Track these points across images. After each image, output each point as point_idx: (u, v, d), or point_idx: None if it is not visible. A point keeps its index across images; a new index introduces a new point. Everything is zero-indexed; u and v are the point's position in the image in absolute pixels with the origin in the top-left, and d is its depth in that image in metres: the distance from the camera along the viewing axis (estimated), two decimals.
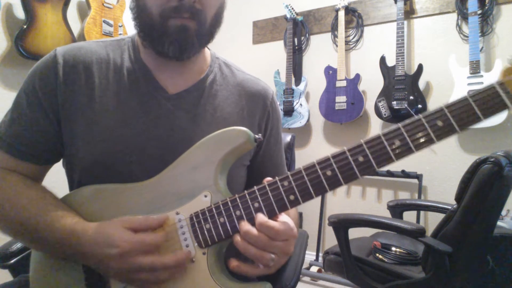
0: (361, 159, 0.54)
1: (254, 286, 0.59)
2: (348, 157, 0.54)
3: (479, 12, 2.04)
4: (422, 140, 0.52)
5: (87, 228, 0.61)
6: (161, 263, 0.57)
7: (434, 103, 2.26)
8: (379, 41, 2.48)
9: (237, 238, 0.57)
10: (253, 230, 0.56)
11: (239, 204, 0.59)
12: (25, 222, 0.63)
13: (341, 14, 2.49)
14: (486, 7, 2.08)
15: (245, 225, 0.57)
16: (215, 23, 0.70)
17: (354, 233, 1.60)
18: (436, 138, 0.51)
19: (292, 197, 0.57)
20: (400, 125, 0.53)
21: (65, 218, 0.63)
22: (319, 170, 0.55)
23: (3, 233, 0.66)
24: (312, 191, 0.56)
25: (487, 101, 0.49)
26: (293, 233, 0.58)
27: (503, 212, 1.83)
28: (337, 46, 2.57)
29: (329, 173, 0.55)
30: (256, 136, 0.62)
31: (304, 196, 0.56)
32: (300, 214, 2.68)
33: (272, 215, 0.58)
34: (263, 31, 2.96)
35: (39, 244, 0.65)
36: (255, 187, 0.59)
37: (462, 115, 0.50)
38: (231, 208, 0.59)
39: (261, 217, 0.56)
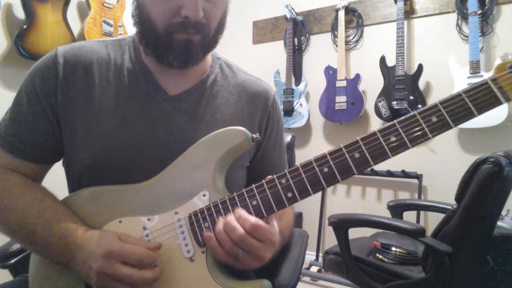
0: (357, 155, 0.54)
1: (253, 284, 0.59)
2: (344, 154, 0.55)
3: (479, 12, 2.04)
4: (417, 135, 0.52)
5: (87, 233, 0.61)
6: (139, 277, 0.56)
7: None
8: (379, 41, 2.48)
9: (219, 226, 0.57)
10: (234, 221, 0.56)
11: (237, 202, 0.59)
12: (24, 225, 0.63)
13: (341, 14, 2.49)
14: (486, 7, 2.08)
15: (228, 216, 0.58)
16: (219, 31, 0.71)
17: (354, 233, 1.59)
18: (430, 134, 0.51)
19: (290, 194, 0.57)
20: (395, 121, 0.53)
21: (65, 223, 0.62)
22: (316, 167, 0.56)
23: (3, 233, 0.66)
24: (309, 188, 0.56)
25: (480, 97, 0.49)
26: (273, 237, 0.58)
27: (503, 212, 1.83)
28: (337, 46, 2.57)
29: (326, 169, 0.55)
30: (254, 135, 0.62)
31: (301, 193, 0.57)
32: (300, 214, 2.67)
33: (270, 213, 0.58)
34: (263, 31, 2.96)
35: (36, 247, 0.64)
36: (253, 185, 0.59)
37: (456, 111, 0.50)
38: (229, 206, 0.60)
39: (240, 210, 0.58)
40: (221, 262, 0.59)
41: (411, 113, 0.53)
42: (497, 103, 0.49)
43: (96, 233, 0.61)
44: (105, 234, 0.61)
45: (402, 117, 0.53)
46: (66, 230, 0.61)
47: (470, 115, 0.50)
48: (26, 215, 0.63)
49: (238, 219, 0.56)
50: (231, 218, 0.57)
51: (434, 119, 0.51)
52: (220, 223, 0.58)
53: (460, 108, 0.50)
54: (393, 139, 0.53)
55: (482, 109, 0.49)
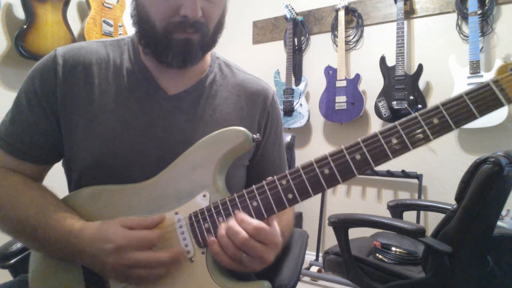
0: (358, 157, 0.54)
1: (253, 285, 0.59)
2: (345, 155, 0.54)
3: (479, 12, 2.04)
4: (418, 137, 0.52)
5: (87, 226, 0.61)
6: (156, 259, 0.57)
7: (434, 103, 2.24)
8: (379, 41, 2.48)
9: (221, 232, 0.57)
10: (236, 226, 0.56)
11: (238, 203, 0.59)
12: (25, 221, 0.63)
13: (341, 14, 2.49)
14: (486, 7, 2.08)
15: (230, 220, 0.58)
16: (218, 30, 0.71)
17: (354, 233, 1.59)
18: (432, 135, 0.51)
19: (290, 196, 0.57)
20: (396, 123, 0.53)
21: (65, 217, 0.63)
22: (317, 169, 0.56)
23: (3, 232, 0.66)
24: (310, 190, 0.56)
25: (482, 99, 0.49)
26: (275, 238, 0.58)
27: (503, 212, 1.83)
28: (337, 46, 2.57)
29: (326, 171, 0.55)
30: (254, 136, 0.62)
31: (302, 195, 0.56)
32: (300, 214, 2.67)
33: (270, 214, 0.58)
34: (263, 31, 2.96)
35: (38, 244, 0.65)
36: (254, 186, 0.59)
37: (458, 113, 0.50)
38: (229, 207, 0.59)
39: (242, 214, 0.57)
40: (225, 267, 0.59)
41: (413, 115, 0.52)
42: (499, 105, 0.48)
43: (98, 227, 0.61)
44: (107, 226, 0.60)
45: (403, 119, 0.53)
46: (67, 224, 0.62)
47: (471, 117, 0.49)
48: (27, 212, 0.63)
49: (241, 223, 0.56)
50: (233, 223, 0.57)
51: (435, 120, 0.51)
52: (222, 228, 0.57)
53: (462, 110, 0.50)
54: (394, 141, 0.53)
55: (483, 111, 0.49)
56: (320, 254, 2.49)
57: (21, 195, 0.65)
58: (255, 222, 0.56)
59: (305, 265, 2.37)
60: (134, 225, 0.60)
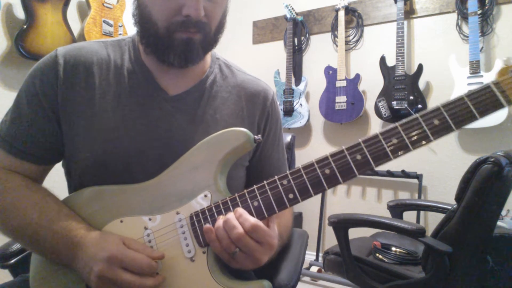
0: (359, 157, 0.54)
1: (253, 284, 0.59)
2: (346, 156, 0.55)
3: (479, 12, 2.04)
4: (419, 138, 0.52)
5: (87, 234, 0.61)
6: (140, 284, 0.56)
7: (434, 103, 2.25)
8: (379, 41, 2.48)
9: (219, 223, 0.58)
10: (234, 220, 0.57)
11: (239, 203, 0.60)
12: (26, 226, 0.63)
13: (341, 14, 2.49)
14: (486, 7, 2.08)
15: (229, 214, 0.58)
16: (219, 30, 0.71)
17: (354, 233, 1.59)
18: (432, 136, 0.51)
19: (291, 196, 0.57)
20: (397, 123, 0.53)
21: (67, 225, 0.63)
22: (317, 169, 0.56)
23: (4, 234, 0.66)
24: (311, 190, 0.56)
25: (483, 100, 0.50)
26: (271, 240, 0.58)
27: (503, 212, 1.83)
28: (337, 46, 2.57)
29: (327, 171, 0.55)
30: (256, 136, 0.63)
31: (303, 195, 0.57)
32: (300, 214, 2.68)
33: (271, 213, 0.59)
34: (263, 31, 2.96)
35: (38, 248, 0.64)
36: (255, 186, 0.60)
37: (458, 114, 0.51)
38: (231, 207, 0.60)
39: (241, 210, 0.58)
40: (217, 256, 0.59)
41: (413, 116, 0.53)
42: (500, 106, 0.49)
43: (100, 234, 0.61)
44: (109, 237, 0.61)
45: (404, 120, 0.53)
46: (69, 230, 0.62)
47: (472, 118, 0.50)
48: (28, 215, 0.63)
49: (238, 218, 0.57)
50: (231, 216, 0.57)
51: (436, 121, 0.51)
52: (220, 220, 0.58)
53: (462, 111, 0.50)
54: (395, 141, 0.53)
55: (484, 113, 0.50)
56: (320, 254, 2.49)
57: (23, 199, 0.65)
58: (252, 219, 0.56)
59: (305, 265, 2.36)
60: (134, 246, 0.59)
